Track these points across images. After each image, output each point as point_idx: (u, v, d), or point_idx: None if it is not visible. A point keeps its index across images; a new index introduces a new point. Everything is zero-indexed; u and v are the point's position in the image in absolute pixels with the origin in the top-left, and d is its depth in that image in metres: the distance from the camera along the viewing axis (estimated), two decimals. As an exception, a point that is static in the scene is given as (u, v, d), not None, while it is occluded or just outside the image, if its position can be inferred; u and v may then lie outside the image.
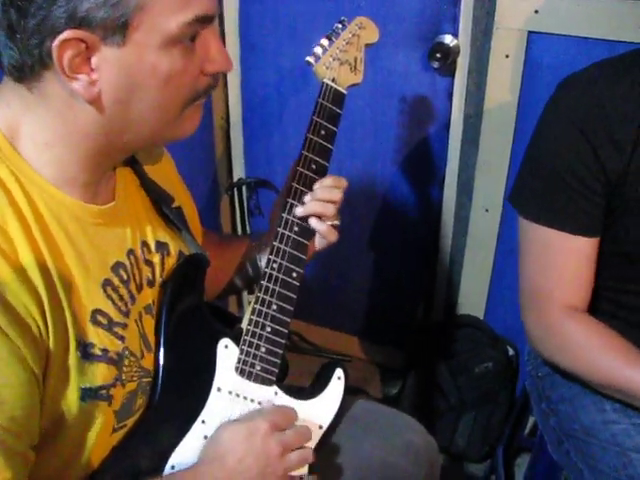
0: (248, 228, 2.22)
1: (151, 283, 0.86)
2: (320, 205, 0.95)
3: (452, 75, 1.69)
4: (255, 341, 0.92)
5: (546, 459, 1.27)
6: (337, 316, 2.24)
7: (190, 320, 0.90)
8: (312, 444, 0.95)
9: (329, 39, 0.98)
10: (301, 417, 0.94)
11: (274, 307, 0.93)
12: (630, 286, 1.07)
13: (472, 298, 1.93)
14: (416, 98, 1.77)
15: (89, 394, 0.73)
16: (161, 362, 0.85)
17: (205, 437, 0.87)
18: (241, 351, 0.91)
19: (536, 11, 1.47)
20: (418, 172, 1.89)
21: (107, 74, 0.68)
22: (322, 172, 0.97)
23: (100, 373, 0.74)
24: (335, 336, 2.26)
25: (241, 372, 0.91)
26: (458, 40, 1.63)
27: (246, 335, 0.92)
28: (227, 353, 0.91)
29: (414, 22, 1.68)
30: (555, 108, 1.02)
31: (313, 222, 0.95)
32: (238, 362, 0.91)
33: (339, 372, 1.00)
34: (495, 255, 1.82)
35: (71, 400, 0.71)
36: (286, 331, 0.94)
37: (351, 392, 1.04)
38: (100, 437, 0.76)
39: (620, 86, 0.96)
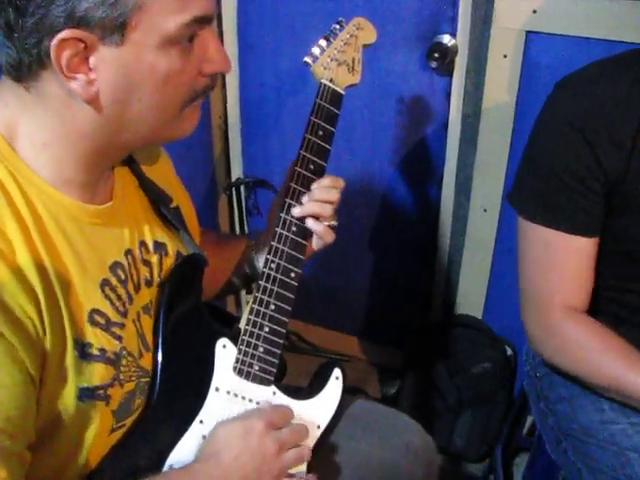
0: (246, 228, 2.22)
1: (149, 283, 0.86)
2: (317, 205, 0.95)
3: (450, 75, 1.69)
4: (253, 341, 0.92)
5: (544, 459, 1.27)
6: (335, 316, 2.24)
7: (188, 320, 0.90)
8: (310, 444, 0.95)
9: (327, 40, 0.98)
10: (299, 417, 0.94)
11: (272, 307, 0.93)
12: (631, 285, 1.07)
13: (470, 298, 1.93)
14: (414, 98, 1.77)
15: (87, 394, 0.73)
16: (159, 362, 0.85)
17: (203, 437, 0.87)
18: (239, 351, 0.91)
19: (534, 11, 1.47)
20: (416, 172, 1.89)
21: (105, 74, 0.68)
22: (320, 172, 0.97)
23: (98, 373, 0.74)
24: (333, 336, 2.26)
25: (239, 372, 0.91)
26: (456, 40, 1.63)
27: (244, 335, 0.92)
28: (225, 353, 0.91)
29: (412, 22, 1.68)
30: (553, 108, 1.02)
31: (310, 223, 0.95)
32: (236, 362, 0.91)
33: (337, 372, 1.00)
34: (493, 255, 1.82)
35: (68, 400, 0.71)
36: (284, 331, 0.94)
37: (349, 392, 1.04)
38: (98, 437, 0.76)
39: (622, 84, 0.96)
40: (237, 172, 2.16)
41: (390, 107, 1.81)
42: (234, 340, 0.91)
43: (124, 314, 0.79)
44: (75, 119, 0.70)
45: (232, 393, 0.90)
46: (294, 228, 0.95)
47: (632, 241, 1.02)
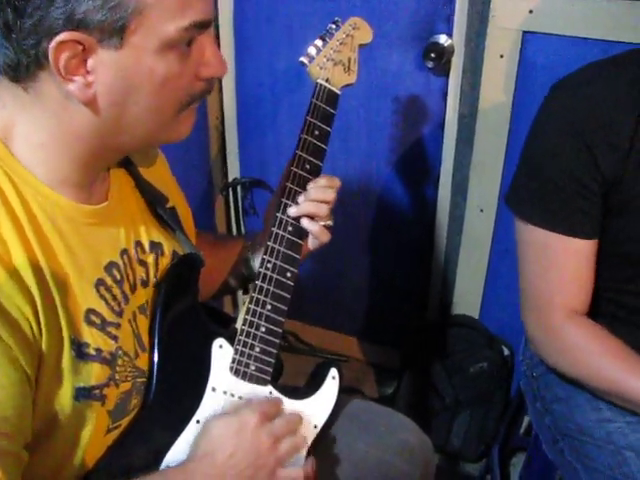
0: (243, 228, 2.22)
1: (145, 283, 0.86)
2: (313, 205, 0.95)
3: (446, 75, 1.70)
4: (250, 341, 0.92)
5: (541, 458, 1.27)
6: (332, 316, 2.24)
7: (184, 320, 0.90)
8: (307, 442, 0.95)
9: (323, 40, 0.98)
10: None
11: (268, 307, 0.93)
12: (630, 286, 1.06)
13: (467, 298, 1.93)
14: (410, 98, 1.78)
15: (83, 394, 0.73)
16: (155, 362, 0.84)
17: (200, 437, 0.87)
18: (235, 351, 0.91)
19: (531, 11, 1.47)
20: (413, 172, 1.89)
21: (103, 76, 0.67)
22: (316, 172, 0.97)
23: (94, 373, 0.74)
24: (330, 336, 2.26)
25: (236, 372, 0.91)
26: (452, 40, 1.64)
27: (240, 335, 0.92)
28: (222, 353, 0.91)
29: (409, 22, 1.68)
30: (550, 109, 1.02)
31: (305, 223, 0.95)
32: (233, 362, 0.91)
33: (334, 372, 1.00)
34: (490, 255, 1.82)
35: (65, 400, 0.71)
36: (280, 331, 0.94)
37: (346, 392, 1.04)
38: (94, 437, 0.76)
39: (619, 85, 0.96)
40: (234, 172, 2.16)
41: (386, 107, 1.81)
42: (230, 340, 0.91)
43: (120, 314, 0.79)
44: (72, 120, 0.70)
45: (229, 393, 0.90)
46: (290, 228, 0.95)
47: (630, 242, 1.02)
